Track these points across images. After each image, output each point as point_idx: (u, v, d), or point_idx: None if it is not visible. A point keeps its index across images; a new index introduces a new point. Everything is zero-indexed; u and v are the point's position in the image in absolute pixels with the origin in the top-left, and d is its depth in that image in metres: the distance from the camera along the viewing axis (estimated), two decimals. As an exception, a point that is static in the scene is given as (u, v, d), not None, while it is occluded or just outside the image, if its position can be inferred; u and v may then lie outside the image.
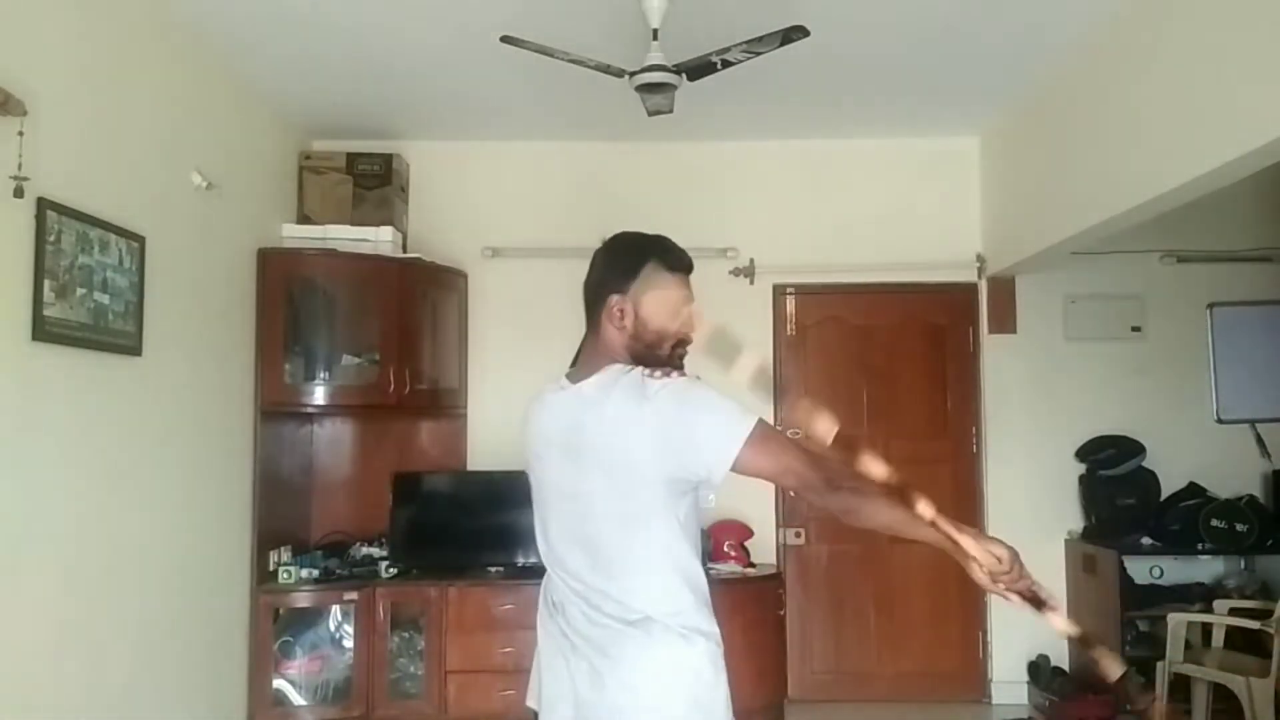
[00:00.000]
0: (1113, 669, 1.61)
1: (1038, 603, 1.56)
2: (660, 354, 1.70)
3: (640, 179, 4.95)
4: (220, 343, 3.87)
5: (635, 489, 1.60)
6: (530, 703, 1.81)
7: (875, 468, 1.50)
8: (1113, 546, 4.50)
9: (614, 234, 1.81)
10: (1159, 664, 4.13)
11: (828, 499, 1.57)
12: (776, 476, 1.59)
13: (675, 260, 1.74)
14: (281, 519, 4.38)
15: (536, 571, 1.82)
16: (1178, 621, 4.17)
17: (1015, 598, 1.55)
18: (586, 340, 1.76)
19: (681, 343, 1.73)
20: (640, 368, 1.64)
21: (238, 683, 4.03)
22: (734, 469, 1.55)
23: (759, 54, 3.19)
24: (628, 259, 1.73)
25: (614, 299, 1.70)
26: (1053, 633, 5.24)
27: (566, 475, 1.66)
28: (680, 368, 1.70)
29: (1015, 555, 1.53)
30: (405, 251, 4.62)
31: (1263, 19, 2.70)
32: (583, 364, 1.73)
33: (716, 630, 1.68)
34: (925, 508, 1.50)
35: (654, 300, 1.69)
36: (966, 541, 1.51)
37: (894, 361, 4.99)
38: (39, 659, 2.70)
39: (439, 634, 4.24)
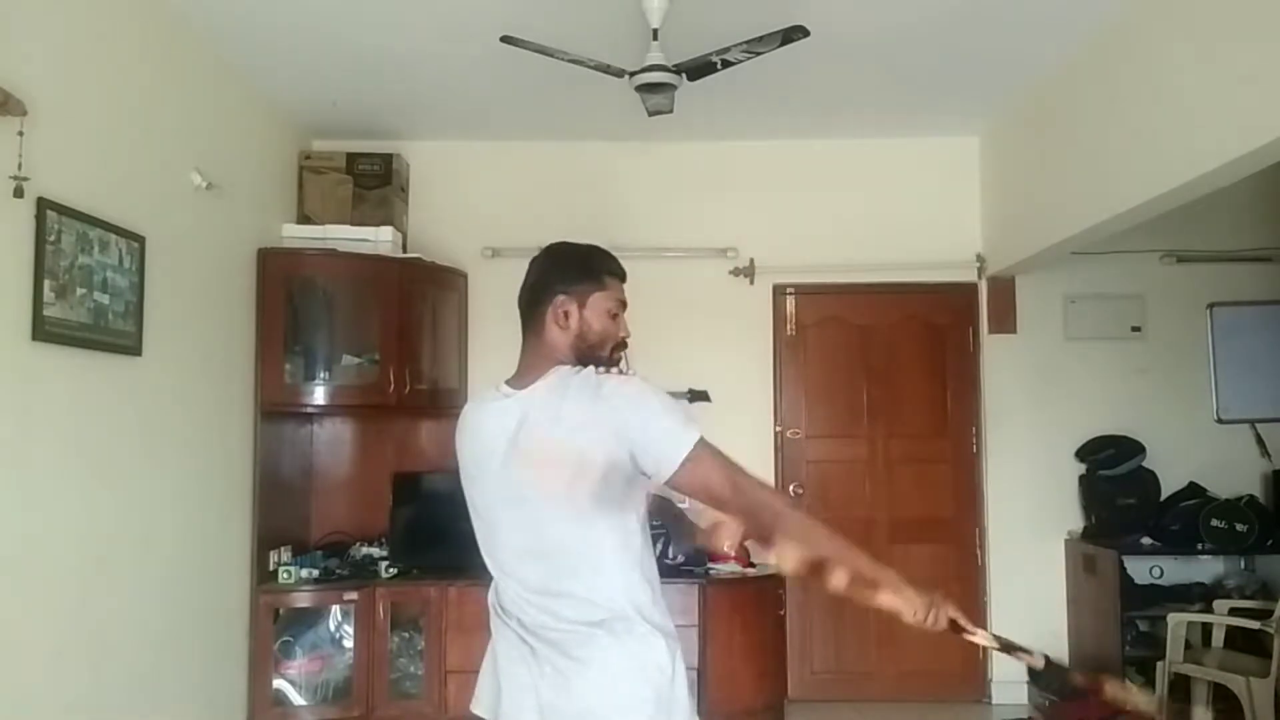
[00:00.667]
0: (1036, 659, 1.70)
1: (958, 629, 1.63)
2: (602, 355, 1.75)
3: (640, 179, 4.95)
4: (220, 343, 3.87)
5: (594, 486, 1.61)
6: (479, 710, 1.79)
7: (787, 562, 1.56)
8: (1113, 546, 4.49)
9: (551, 243, 1.86)
10: (1159, 664, 4.13)
11: (745, 528, 1.63)
12: (698, 492, 1.61)
13: (616, 266, 1.82)
14: (281, 519, 4.38)
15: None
16: (1178, 621, 4.17)
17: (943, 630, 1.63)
18: (526, 346, 1.77)
19: (618, 346, 1.80)
20: (590, 367, 1.68)
21: (238, 683, 4.03)
22: (669, 479, 1.59)
23: (759, 54, 3.19)
24: (572, 262, 1.79)
25: (560, 299, 1.74)
26: (1052, 634, 5.21)
27: (516, 481, 1.66)
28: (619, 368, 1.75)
29: (929, 603, 1.59)
30: (405, 251, 4.62)
31: (1262, 20, 2.70)
32: (524, 370, 1.74)
33: (672, 625, 1.71)
34: (840, 579, 1.56)
35: (598, 302, 1.76)
36: (884, 599, 1.58)
37: (894, 361, 4.99)
38: (39, 658, 2.70)
39: (439, 634, 4.24)
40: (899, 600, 1.58)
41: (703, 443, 1.59)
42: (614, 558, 1.65)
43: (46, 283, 2.65)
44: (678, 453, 1.57)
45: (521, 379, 1.72)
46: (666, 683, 1.64)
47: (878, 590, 1.57)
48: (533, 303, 1.77)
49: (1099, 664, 4.57)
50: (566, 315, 1.73)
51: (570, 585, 1.64)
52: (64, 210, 2.74)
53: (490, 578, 1.81)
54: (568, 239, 1.88)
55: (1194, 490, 4.72)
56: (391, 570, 4.36)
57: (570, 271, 1.76)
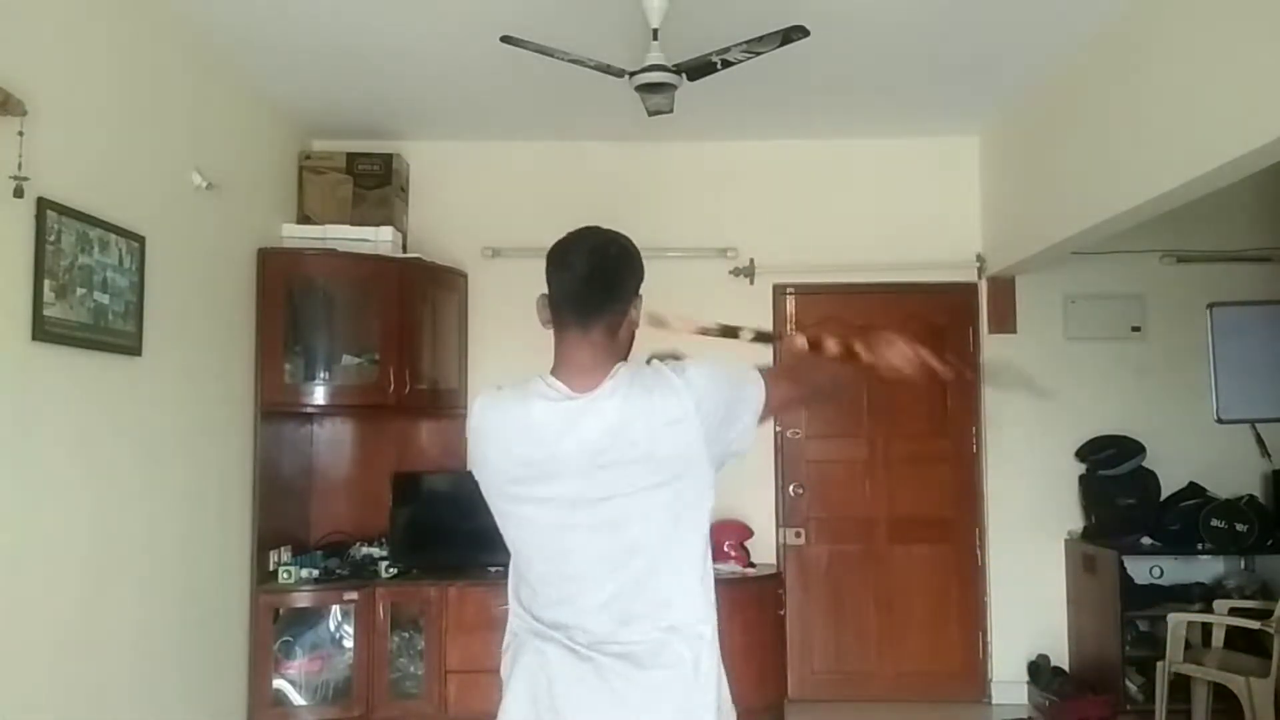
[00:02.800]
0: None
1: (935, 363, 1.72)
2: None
3: (640, 179, 4.95)
4: (220, 343, 3.87)
5: (689, 482, 1.57)
6: None
7: (831, 345, 1.69)
8: (1113, 546, 4.50)
9: (604, 229, 1.72)
10: (1159, 664, 4.13)
11: (809, 401, 1.74)
12: (779, 411, 1.68)
13: None
14: (281, 519, 4.38)
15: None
16: (1178, 621, 4.17)
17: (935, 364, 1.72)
18: (586, 345, 1.61)
19: None
20: (651, 360, 1.64)
21: (238, 683, 4.03)
22: (759, 423, 1.64)
23: (759, 54, 3.19)
24: (639, 260, 1.70)
25: (637, 299, 1.68)
26: (1052, 634, 5.18)
27: (608, 482, 1.55)
28: None
29: (909, 349, 1.71)
30: (405, 251, 4.62)
31: (1262, 19, 2.70)
32: (581, 369, 1.59)
33: None
34: (832, 345, 1.68)
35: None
36: (873, 358, 1.71)
37: (894, 361, 4.98)
38: (39, 659, 2.70)
39: (439, 634, 4.24)
40: (884, 361, 1.69)
41: (761, 380, 1.62)
42: (696, 557, 1.59)
43: (46, 283, 2.65)
44: (758, 403, 1.60)
45: (584, 378, 1.58)
46: (725, 683, 1.63)
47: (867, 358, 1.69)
48: (611, 301, 1.63)
49: (1099, 664, 4.57)
50: (635, 314, 1.68)
51: (648, 587, 1.57)
52: (64, 210, 2.74)
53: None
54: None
55: (1194, 490, 4.72)
56: (391, 570, 4.36)
57: (640, 270, 1.69)
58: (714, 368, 1.59)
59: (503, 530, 1.66)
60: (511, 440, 1.59)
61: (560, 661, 1.58)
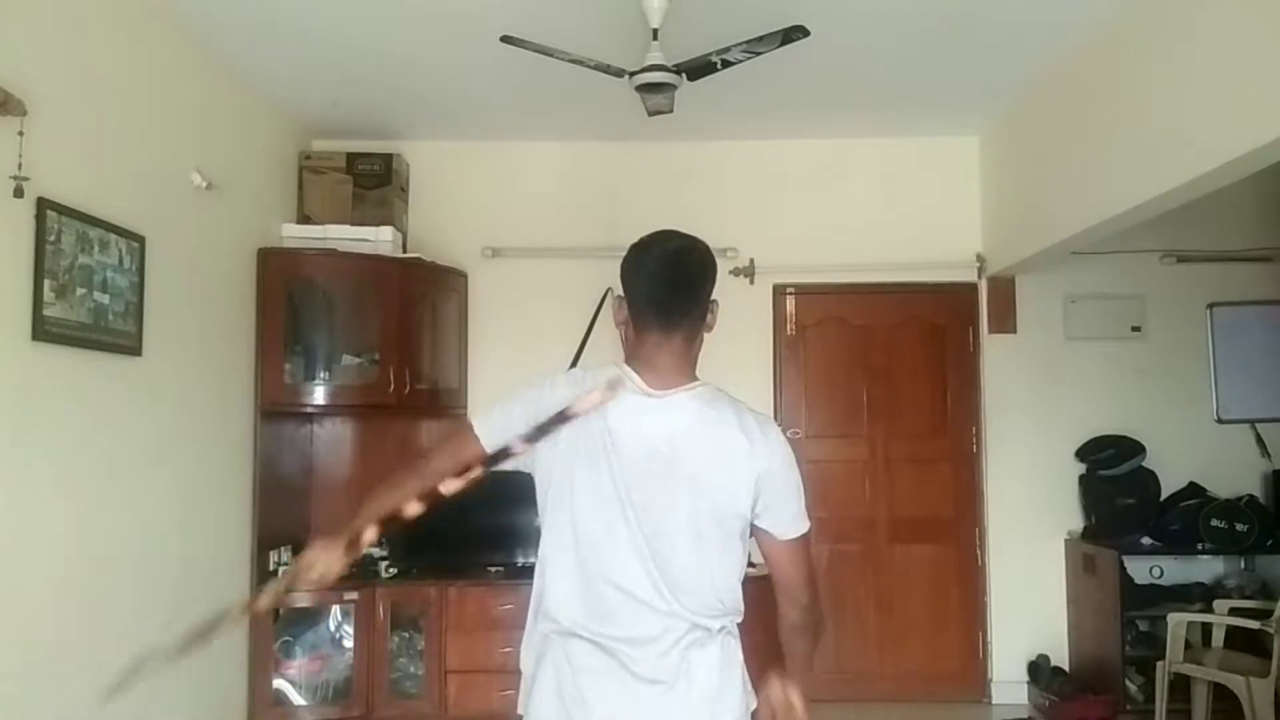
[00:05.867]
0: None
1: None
2: None
3: (640, 179, 4.95)
4: (220, 343, 3.87)
5: (730, 514, 1.61)
6: None
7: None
8: (1113, 546, 4.50)
9: (682, 232, 1.67)
10: (1159, 664, 4.13)
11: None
12: (780, 568, 1.68)
13: None
14: (281, 519, 4.38)
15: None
16: (1178, 621, 4.17)
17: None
18: (669, 349, 1.61)
19: None
20: (738, 403, 1.66)
21: (238, 683, 4.04)
22: (770, 545, 1.66)
23: (759, 54, 3.19)
24: (716, 264, 1.69)
25: (714, 304, 1.66)
26: (1052, 634, 5.16)
27: (657, 485, 1.57)
28: None
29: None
30: (405, 251, 4.62)
31: (1262, 19, 2.70)
32: (658, 374, 1.60)
33: None
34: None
35: None
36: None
37: (894, 361, 4.99)
38: (38, 658, 2.70)
39: (439, 634, 4.24)
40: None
41: (809, 534, 1.67)
42: (733, 573, 1.65)
43: (46, 283, 2.65)
44: (796, 531, 1.65)
45: (660, 382, 1.60)
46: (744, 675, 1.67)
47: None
48: (695, 306, 1.62)
49: (1099, 664, 4.58)
50: (711, 320, 1.66)
51: (685, 595, 1.59)
52: (64, 210, 2.74)
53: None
54: (675, 228, 1.69)
55: (1194, 490, 4.72)
56: (391, 570, 4.36)
57: (716, 275, 1.68)
58: (792, 457, 1.67)
59: (554, 509, 1.64)
60: (591, 426, 1.57)
61: (587, 656, 1.60)
